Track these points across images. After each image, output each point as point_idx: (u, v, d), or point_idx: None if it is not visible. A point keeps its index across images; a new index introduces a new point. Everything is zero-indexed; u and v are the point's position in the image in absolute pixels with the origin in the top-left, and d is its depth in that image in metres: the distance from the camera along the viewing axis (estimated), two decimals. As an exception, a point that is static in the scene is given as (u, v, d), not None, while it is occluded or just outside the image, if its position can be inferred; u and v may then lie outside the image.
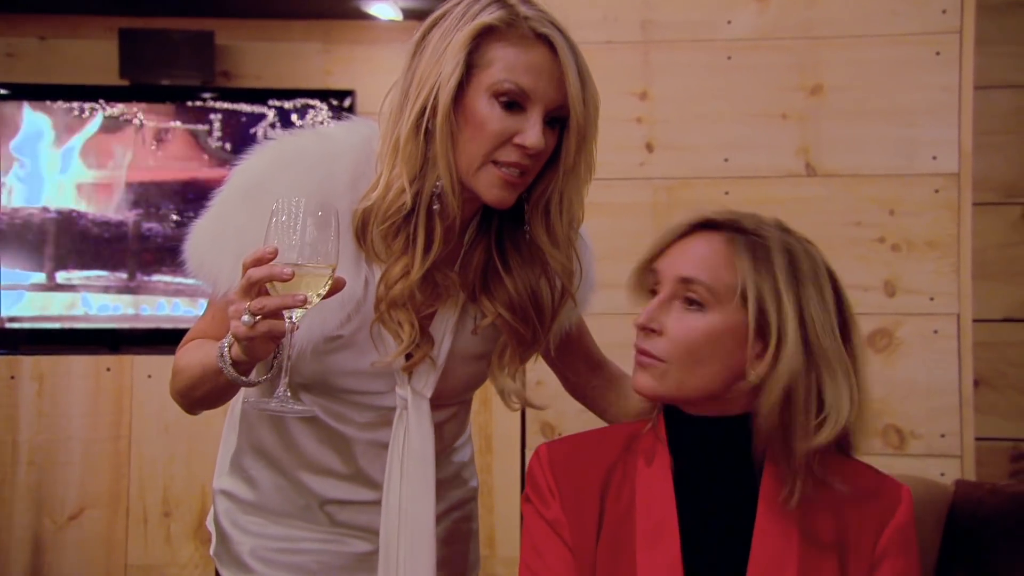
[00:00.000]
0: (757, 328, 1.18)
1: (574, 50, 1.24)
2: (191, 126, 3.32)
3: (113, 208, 3.29)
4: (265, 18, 3.54)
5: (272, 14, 3.52)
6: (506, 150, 1.22)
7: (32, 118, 3.29)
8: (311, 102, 3.33)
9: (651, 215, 2.37)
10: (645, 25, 2.38)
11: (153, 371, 2.76)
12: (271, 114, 3.31)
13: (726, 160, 2.35)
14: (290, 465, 1.41)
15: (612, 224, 2.29)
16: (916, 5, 2.29)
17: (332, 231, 1.13)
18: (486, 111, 1.21)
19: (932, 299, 2.28)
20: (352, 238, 1.28)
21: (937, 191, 2.28)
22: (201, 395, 1.28)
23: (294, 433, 1.39)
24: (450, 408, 1.44)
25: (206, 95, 3.35)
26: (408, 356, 1.31)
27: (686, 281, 1.20)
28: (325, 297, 1.15)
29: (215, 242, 1.27)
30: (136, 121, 3.32)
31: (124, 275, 3.27)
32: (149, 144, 3.31)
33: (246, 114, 3.32)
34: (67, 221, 3.27)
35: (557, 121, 1.25)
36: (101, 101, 3.30)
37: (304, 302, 1.11)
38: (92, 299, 3.27)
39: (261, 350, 1.15)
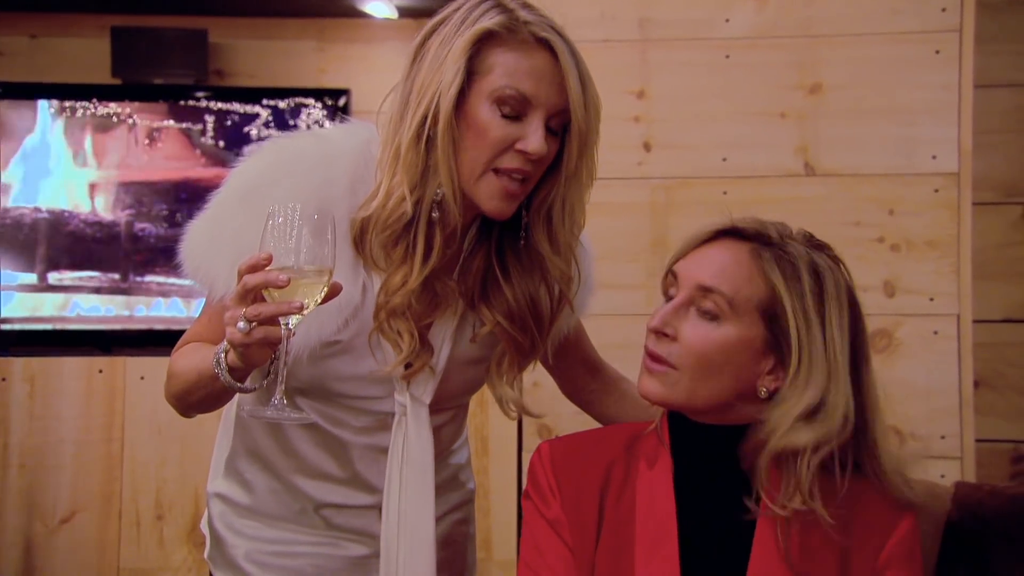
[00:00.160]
0: (775, 344, 1.18)
1: (575, 54, 1.23)
2: (184, 125, 3.31)
3: (105, 208, 3.28)
4: (259, 16, 3.53)
5: (266, 12, 3.51)
6: (508, 156, 1.22)
7: (24, 117, 3.27)
8: (305, 101, 3.32)
9: (649, 215, 2.36)
10: (643, 23, 2.37)
11: (146, 373, 2.75)
12: (265, 113, 3.30)
13: (724, 159, 2.34)
14: (286, 469, 1.40)
15: (609, 224, 2.29)
16: (916, 3, 2.28)
17: (328, 236, 1.13)
18: (487, 117, 1.21)
19: (932, 299, 2.27)
20: (350, 244, 1.27)
21: (937, 191, 2.27)
22: (196, 400, 1.28)
23: (290, 437, 1.39)
24: (448, 412, 1.44)
25: (199, 94, 3.34)
26: (407, 365, 1.30)
27: (705, 289, 1.19)
28: (322, 303, 1.14)
29: (212, 245, 1.26)
30: (128, 120, 3.30)
31: (116, 276, 3.26)
32: (142, 143, 3.30)
33: (240, 113, 3.31)
34: (59, 221, 3.26)
35: (559, 127, 1.24)
36: (93, 100, 3.28)
37: (301, 309, 1.10)
38: (84, 300, 3.26)
39: (257, 357, 1.14)
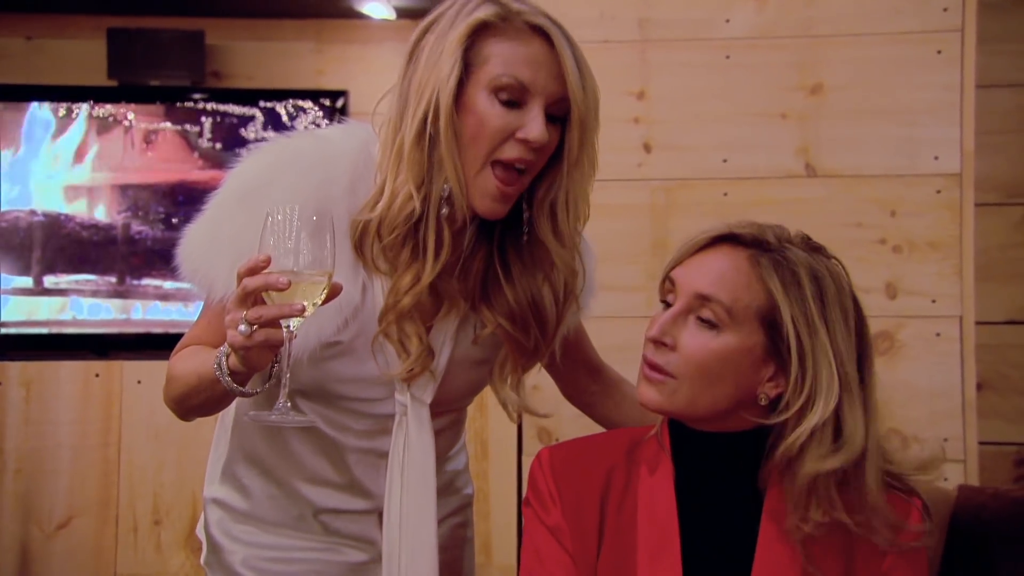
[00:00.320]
0: (775, 351, 1.17)
1: (570, 41, 1.24)
2: (181, 127, 3.30)
3: (102, 211, 3.27)
4: (256, 17, 3.52)
5: (263, 13, 3.51)
6: (508, 146, 1.21)
7: (19, 119, 3.26)
8: (303, 103, 3.32)
9: (649, 217, 2.35)
10: (642, 23, 2.37)
11: (143, 376, 2.74)
12: (262, 115, 3.29)
13: (725, 161, 2.34)
14: (284, 474, 1.40)
15: (609, 226, 2.29)
16: (917, 3, 2.27)
17: (328, 237, 1.12)
18: (486, 108, 1.21)
19: (934, 301, 2.26)
20: (349, 245, 1.26)
21: (939, 191, 2.26)
22: (197, 404, 1.27)
23: (288, 442, 1.38)
24: (448, 416, 1.43)
25: (196, 96, 3.33)
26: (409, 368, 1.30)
27: (703, 298, 1.18)
28: (323, 304, 1.14)
29: (210, 247, 1.25)
30: (125, 122, 3.29)
31: (113, 279, 3.25)
32: (138, 145, 3.29)
33: (237, 115, 3.30)
34: (55, 224, 3.25)
35: (558, 118, 1.24)
36: (90, 102, 3.27)
37: (302, 311, 1.10)
38: (81, 303, 3.24)
39: (258, 360, 1.14)
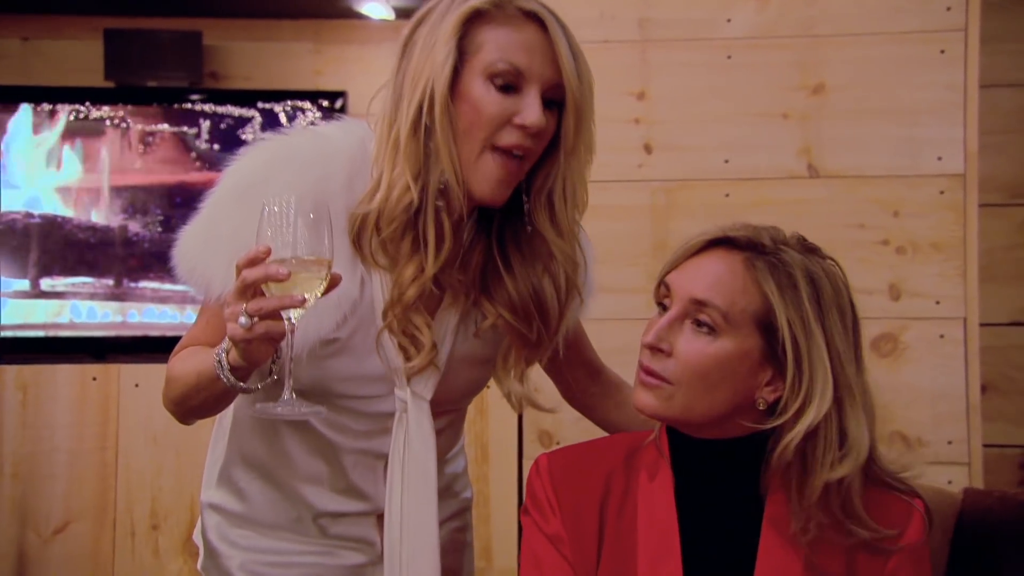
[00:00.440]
0: (772, 356, 1.16)
1: (563, 27, 1.24)
2: (178, 128, 3.29)
3: (99, 213, 3.26)
4: (254, 18, 3.52)
5: (261, 13, 3.50)
6: (506, 132, 1.21)
7: (15, 121, 3.25)
8: (301, 104, 3.31)
9: (649, 218, 2.34)
10: (643, 23, 2.36)
11: (140, 380, 2.73)
12: (261, 116, 3.28)
13: (726, 161, 2.33)
14: (281, 476, 1.39)
15: (609, 227, 2.28)
16: (919, 2, 2.26)
17: (325, 228, 1.12)
18: (482, 94, 1.20)
19: (938, 303, 2.25)
20: (347, 241, 1.26)
21: (942, 192, 2.25)
22: (197, 404, 1.26)
23: (285, 444, 1.37)
24: (447, 416, 1.42)
25: (194, 97, 3.32)
26: (408, 360, 1.30)
27: (699, 303, 1.17)
28: (323, 295, 1.13)
29: (207, 245, 1.25)
30: (122, 124, 3.28)
31: (110, 282, 3.24)
32: (135, 147, 3.28)
33: (235, 116, 3.29)
34: (51, 226, 3.24)
35: (553, 104, 1.23)
36: (86, 103, 3.26)
37: (303, 302, 1.10)
38: (78, 306, 3.23)
39: (259, 354, 1.13)
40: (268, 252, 1.08)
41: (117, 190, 3.27)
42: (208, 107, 3.30)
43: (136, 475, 2.73)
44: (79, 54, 3.46)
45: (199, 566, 1.47)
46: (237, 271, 1.09)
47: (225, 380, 1.16)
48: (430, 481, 1.32)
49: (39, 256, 3.23)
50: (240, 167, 1.28)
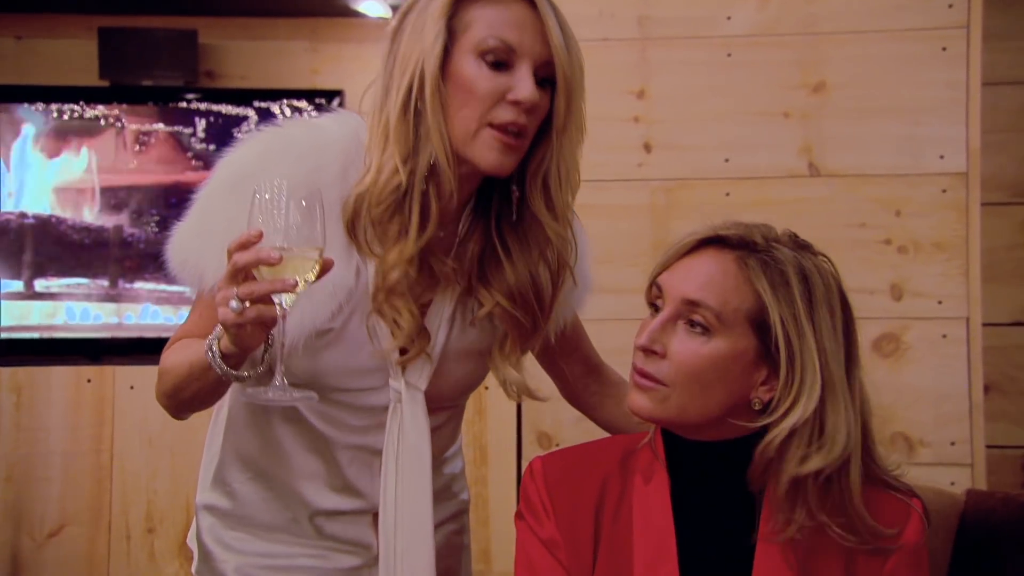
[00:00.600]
0: (767, 355, 1.15)
1: (553, 5, 1.24)
2: (174, 128, 3.28)
3: (93, 213, 3.24)
4: (250, 16, 3.51)
5: (257, 12, 3.50)
6: (500, 110, 1.21)
7: (9, 121, 3.23)
8: (298, 103, 3.30)
9: (649, 217, 2.33)
10: (642, 21, 2.35)
11: (136, 382, 2.72)
12: (257, 115, 3.27)
13: (726, 160, 2.32)
14: (276, 475, 1.38)
15: (609, 227, 2.28)
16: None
17: (317, 213, 1.12)
18: (474, 72, 1.20)
19: (940, 302, 2.24)
20: (342, 229, 1.25)
21: (944, 191, 2.24)
22: (189, 396, 1.26)
23: (279, 442, 1.37)
24: (444, 413, 1.42)
25: (189, 96, 3.31)
26: (403, 351, 1.29)
27: (692, 303, 1.16)
28: (315, 280, 1.13)
29: (200, 237, 1.24)
30: (117, 123, 3.27)
31: (105, 283, 3.22)
32: (131, 147, 3.27)
33: (231, 115, 3.28)
34: (45, 227, 3.23)
35: (546, 83, 1.23)
36: (80, 103, 3.25)
37: (294, 286, 1.09)
38: (73, 308, 3.22)
39: (251, 339, 1.13)
40: (260, 236, 1.08)
41: (112, 190, 3.26)
42: (204, 106, 3.29)
43: (131, 478, 2.71)
44: (74, 53, 3.45)
45: (193, 570, 1.46)
46: (228, 255, 1.10)
47: (217, 368, 1.16)
48: (425, 473, 1.32)
49: (33, 257, 3.21)
50: (234, 159, 1.28)
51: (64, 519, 2.71)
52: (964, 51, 2.23)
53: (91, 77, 3.38)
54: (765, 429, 1.16)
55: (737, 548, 1.18)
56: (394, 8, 3.37)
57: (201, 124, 3.29)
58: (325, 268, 1.13)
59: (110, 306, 3.22)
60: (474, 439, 2.54)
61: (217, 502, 1.42)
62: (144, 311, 3.23)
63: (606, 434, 1.50)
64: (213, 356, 1.15)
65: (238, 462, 1.41)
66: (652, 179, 2.34)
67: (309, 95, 3.34)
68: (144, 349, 3.14)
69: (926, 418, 2.23)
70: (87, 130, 3.26)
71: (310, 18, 3.52)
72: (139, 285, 3.23)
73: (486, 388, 2.52)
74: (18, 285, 3.21)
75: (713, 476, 1.21)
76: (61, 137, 3.26)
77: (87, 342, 3.19)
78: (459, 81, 1.21)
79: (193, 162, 3.27)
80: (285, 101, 3.30)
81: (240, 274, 1.09)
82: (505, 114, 1.21)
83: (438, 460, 1.46)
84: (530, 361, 1.44)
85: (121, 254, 3.23)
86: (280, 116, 3.27)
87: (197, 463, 1.50)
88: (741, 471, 1.19)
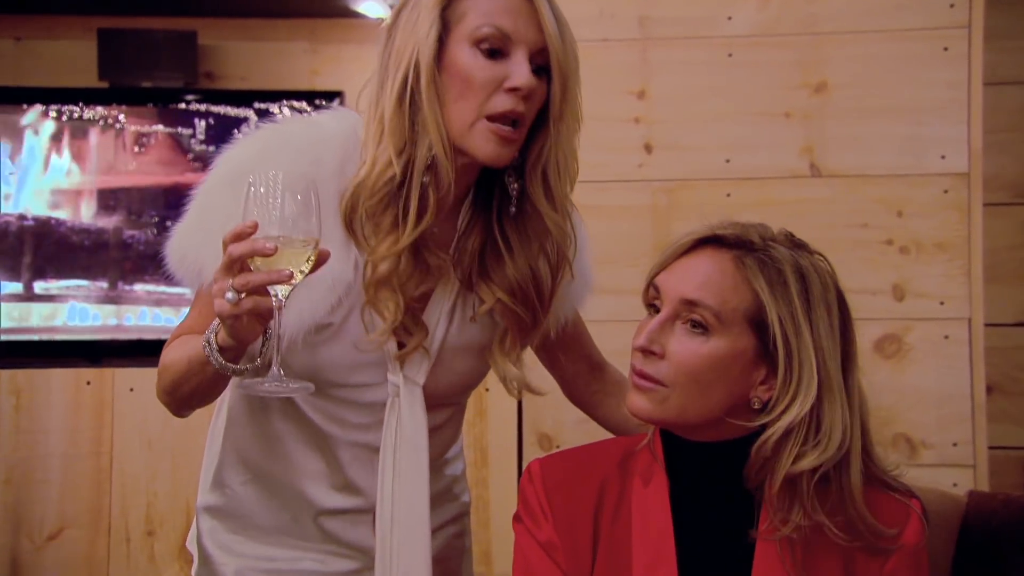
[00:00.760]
0: (766, 354, 1.15)
1: None
2: (174, 129, 3.27)
3: (93, 215, 3.24)
4: (249, 17, 3.50)
5: (256, 13, 3.48)
6: (497, 99, 1.21)
7: (8, 122, 3.23)
8: (298, 104, 3.29)
9: (650, 218, 2.33)
10: (643, 21, 2.34)
11: (135, 384, 2.71)
12: (257, 116, 3.26)
13: (727, 161, 2.32)
14: (277, 475, 1.38)
15: (609, 227, 2.27)
16: (923, -1, 2.26)
17: (313, 204, 1.12)
18: (470, 61, 1.21)
19: (942, 303, 2.24)
20: (340, 224, 1.25)
21: (946, 191, 2.24)
22: (188, 391, 1.26)
23: (280, 440, 1.37)
24: (445, 410, 1.42)
25: (189, 97, 3.30)
26: (402, 345, 1.29)
27: (690, 303, 1.16)
28: (311, 272, 1.12)
29: (199, 233, 1.24)
30: (116, 124, 3.26)
31: (105, 284, 3.22)
32: (130, 148, 3.26)
33: (231, 116, 3.27)
34: (45, 229, 3.21)
35: (542, 71, 1.23)
36: (80, 104, 3.24)
37: (290, 277, 1.09)
38: (72, 309, 3.21)
39: (247, 331, 1.13)
40: (255, 227, 1.08)
41: (111, 192, 3.25)
42: (203, 107, 3.28)
43: (131, 480, 2.71)
44: (73, 54, 3.44)
45: (193, 573, 1.46)
46: (224, 247, 1.09)
47: (214, 361, 1.16)
48: (422, 468, 1.31)
49: (33, 259, 3.20)
50: (232, 155, 1.28)
51: (63, 522, 2.71)
52: (966, 51, 2.23)
53: (90, 78, 3.37)
54: (764, 428, 1.16)
55: (736, 548, 1.18)
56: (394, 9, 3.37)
57: (201, 125, 3.28)
58: (321, 259, 1.13)
59: (110, 308, 3.21)
60: (475, 441, 2.54)
61: (217, 504, 1.42)
62: (144, 313, 3.22)
63: (607, 436, 1.50)
64: (211, 349, 1.15)
65: (238, 463, 1.41)
66: (653, 180, 2.34)
67: (309, 96, 3.32)
68: (144, 351, 3.13)
69: (928, 419, 2.23)
70: (86, 131, 3.26)
71: (310, 19, 3.51)
72: (139, 287, 3.22)
73: (487, 389, 2.51)
74: (17, 287, 3.20)
75: (712, 477, 1.21)
76: (60, 138, 3.25)
77: (87, 344, 3.18)
78: (455, 71, 1.21)
79: (193, 163, 3.26)
80: (285, 102, 3.29)
81: (236, 265, 1.08)
82: (503, 103, 1.21)
83: (440, 461, 1.47)
84: (531, 358, 1.44)
85: (121, 256, 3.23)
86: (279, 115, 3.27)
87: (197, 466, 1.50)
88: (740, 471, 1.18)
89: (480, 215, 1.33)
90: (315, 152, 1.26)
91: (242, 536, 1.40)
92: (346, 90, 3.31)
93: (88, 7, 3.40)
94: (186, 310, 1.35)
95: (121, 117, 3.27)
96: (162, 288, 3.19)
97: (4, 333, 3.18)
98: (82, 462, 2.71)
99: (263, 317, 1.12)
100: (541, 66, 1.23)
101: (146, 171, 3.26)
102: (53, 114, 3.24)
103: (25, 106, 3.23)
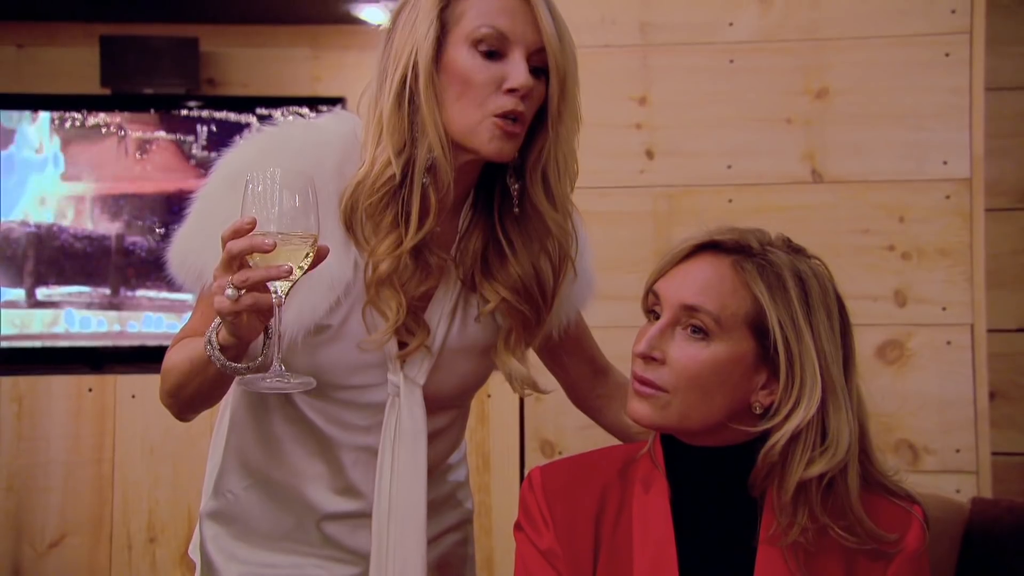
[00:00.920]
0: (766, 358, 1.15)
1: None
2: (176, 136, 3.27)
3: (95, 221, 3.24)
4: (251, 23, 3.51)
5: (258, 19, 3.49)
6: (498, 99, 1.21)
7: (10, 129, 3.23)
8: (300, 110, 3.29)
9: (652, 224, 2.32)
10: (644, 28, 2.34)
11: (137, 391, 2.70)
12: (259, 122, 3.26)
13: (729, 167, 2.31)
14: (279, 479, 1.38)
15: (611, 234, 2.27)
16: (924, 5, 2.24)
17: (311, 201, 1.12)
18: (468, 62, 1.21)
19: (944, 309, 2.23)
20: (340, 224, 1.26)
21: (948, 197, 2.23)
22: (191, 392, 1.26)
23: (282, 443, 1.37)
24: (447, 414, 1.42)
25: (191, 104, 3.30)
26: (403, 345, 1.30)
27: (690, 309, 1.16)
28: (310, 268, 1.12)
29: (200, 236, 1.25)
30: (119, 131, 3.26)
31: (107, 291, 3.22)
32: (132, 154, 3.26)
33: (233, 123, 3.27)
34: (47, 235, 3.22)
35: (540, 72, 1.24)
36: (82, 111, 3.25)
37: (289, 273, 1.09)
38: (74, 316, 3.21)
39: (248, 329, 1.13)
40: (253, 223, 1.08)
41: (114, 198, 3.26)
42: (205, 114, 3.29)
43: (133, 487, 2.70)
44: (75, 61, 3.45)
45: (195, 582, 1.45)
46: (223, 244, 1.09)
47: (215, 360, 1.15)
48: (420, 468, 1.31)
49: (35, 265, 3.21)
50: (232, 158, 1.29)
51: (65, 529, 2.69)
52: (967, 56, 2.23)
53: (93, 85, 3.38)
54: (765, 434, 1.16)
55: (738, 554, 1.18)
56: (395, 15, 3.38)
57: (203, 132, 3.29)
58: (320, 255, 1.13)
59: (112, 314, 3.21)
60: (477, 447, 2.53)
61: (219, 511, 1.42)
62: (146, 319, 3.22)
63: (610, 441, 1.49)
64: (212, 348, 1.15)
65: (240, 468, 1.41)
66: (654, 186, 2.33)
67: (311, 102, 3.34)
68: (146, 357, 3.14)
69: (931, 425, 2.22)
70: (89, 138, 3.26)
71: (311, 25, 3.52)
72: (141, 293, 3.22)
73: (488, 395, 2.51)
74: (19, 293, 3.20)
75: (713, 482, 1.20)
76: (63, 145, 3.26)
77: (88, 350, 3.18)
78: (454, 71, 1.21)
79: (195, 170, 3.27)
80: (287, 108, 3.30)
81: (235, 262, 1.09)
82: (503, 103, 1.21)
83: (443, 466, 1.47)
84: (535, 361, 1.44)
85: (123, 262, 3.23)
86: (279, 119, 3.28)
87: (199, 472, 1.49)
88: (741, 476, 1.18)
89: (481, 215, 1.33)
90: (314, 154, 1.27)
91: (244, 542, 1.40)
92: (348, 96, 3.31)
93: (90, 14, 3.41)
94: (188, 316, 1.35)
95: (123, 124, 3.27)
96: (164, 294, 3.19)
97: (6, 340, 3.18)
98: (84, 469, 2.70)
99: (263, 314, 1.12)
100: (540, 66, 1.23)
101: (148, 177, 3.26)
102: (55, 121, 3.24)
103: (28, 113, 3.24)
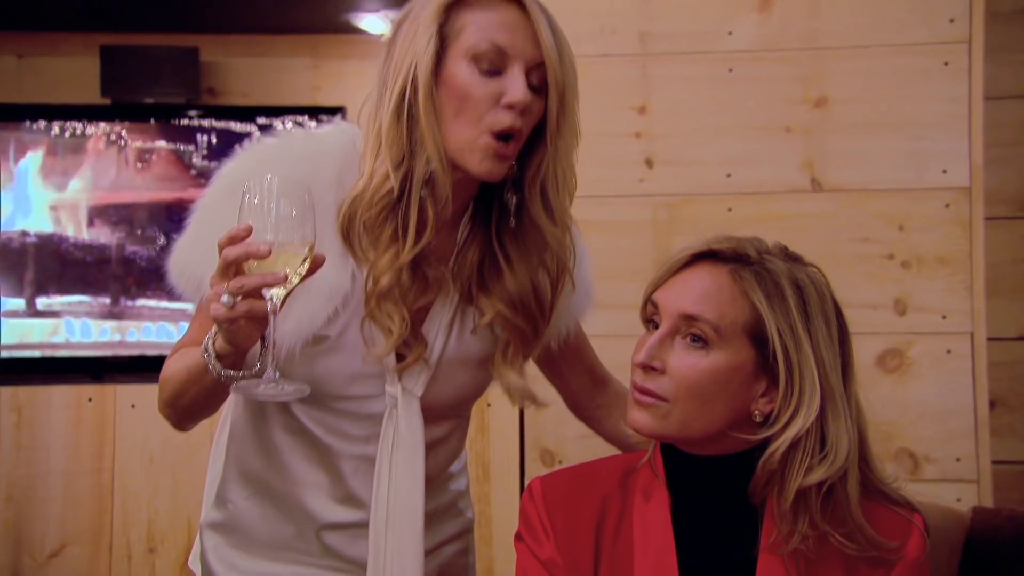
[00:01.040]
0: (765, 366, 1.16)
1: (544, 9, 1.24)
2: (176, 145, 3.28)
3: (96, 231, 3.24)
4: (251, 33, 3.52)
5: (258, 29, 3.50)
6: (496, 115, 1.21)
7: (11, 139, 3.23)
8: (300, 119, 3.30)
9: (651, 233, 2.32)
10: (643, 37, 2.34)
11: (137, 401, 2.71)
12: (259, 132, 3.27)
13: (729, 176, 2.31)
14: (280, 488, 1.38)
15: (611, 243, 2.27)
16: (923, 14, 2.25)
17: (307, 209, 1.12)
18: (467, 78, 1.21)
19: (944, 317, 2.23)
20: (337, 234, 1.26)
21: (948, 205, 2.23)
22: (189, 401, 1.26)
23: (281, 453, 1.37)
24: (446, 423, 1.41)
25: (191, 113, 3.30)
26: (401, 357, 1.29)
27: (689, 318, 1.16)
28: (306, 276, 1.12)
29: (199, 246, 1.25)
30: (119, 141, 3.27)
31: (107, 300, 3.21)
32: (133, 164, 3.26)
33: (233, 132, 3.28)
34: (48, 245, 3.22)
35: (538, 83, 1.24)
36: (83, 120, 3.25)
37: (284, 279, 1.09)
38: (74, 326, 3.21)
39: (244, 336, 1.13)
40: (249, 230, 1.08)
41: (114, 207, 3.26)
42: (206, 123, 3.29)
43: (132, 497, 2.70)
44: (75, 71, 3.45)
45: (195, 592, 1.45)
46: (219, 250, 1.09)
47: (212, 368, 1.16)
48: (418, 479, 1.31)
49: (35, 275, 3.21)
50: (231, 169, 1.29)
51: (65, 539, 2.70)
52: (966, 65, 2.23)
53: (93, 95, 3.38)
54: (765, 442, 1.16)
55: (739, 562, 1.18)
56: (395, 25, 3.38)
57: (203, 141, 3.29)
58: (316, 263, 1.13)
59: (112, 323, 3.21)
60: (477, 456, 2.53)
61: (219, 521, 1.42)
62: (146, 329, 3.22)
63: (610, 451, 1.49)
64: (209, 356, 1.15)
65: (240, 478, 1.40)
66: (654, 195, 2.33)
67: (311, 112, 3.34)
68: (146, 367, 3.13)
69: (931, 434, 2.21)
70: (89, 148, 3.26)
71: (311, 35, 3.52)
72: (141, 302, 3.22)
73: (488, 405, 2.51)
74: (19, 303, 3.20)
75: (714, 491, 1.20)
76: (63, 155, 3.26)
77: (88, 360, 3.18)
78: (452, 86, 1.21)
79: (195, 179, 3.27)
80: (287, 118, 3.30)
81: (231, 269, 1.09)
82: (501, 119, 1.21)
83: (444, 475, 1.46)
84: (534, 372, 1.44)
85: (123, 271, 3.23)
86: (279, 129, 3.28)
87: (199, 483, 1.50)
88: (741, 485, 1.18)
89: (479, 229, 1.33)
90: (313, 164, 1.27)
91: (245, 552, 1.40)
92: (348, 105, 3.32)
93: (90, 24, 3.42)
94: (188, 325, 1.35)
95: (123, 133, 3.28)
96: (164, 304, 3.19)
97: (5, 349, 3.18)
98: (83, 479, 2.71)
99: (259, 321, 1.12)
100: (539, 82, 1.23)
101: (148, 187, 3.27)
102: (56, 131, 3.24)
103: (28, 123, 3.24)
